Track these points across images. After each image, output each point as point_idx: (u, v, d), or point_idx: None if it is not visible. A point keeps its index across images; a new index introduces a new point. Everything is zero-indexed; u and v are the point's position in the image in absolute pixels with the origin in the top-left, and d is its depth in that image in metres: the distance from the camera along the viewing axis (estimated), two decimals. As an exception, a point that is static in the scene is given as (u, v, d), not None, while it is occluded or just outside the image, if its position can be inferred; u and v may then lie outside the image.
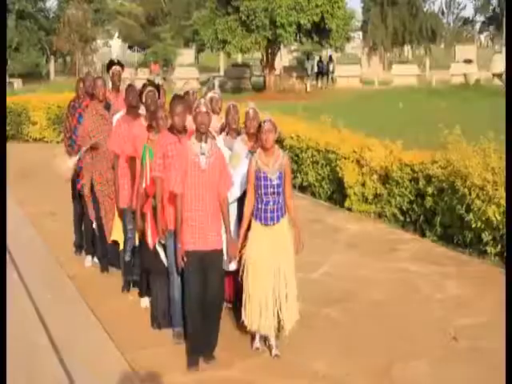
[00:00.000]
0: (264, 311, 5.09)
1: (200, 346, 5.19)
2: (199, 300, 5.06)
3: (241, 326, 5.47)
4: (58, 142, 15.96)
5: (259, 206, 5.13)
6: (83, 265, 7.68)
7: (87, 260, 7.70)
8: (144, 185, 5.61)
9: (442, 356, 5.37)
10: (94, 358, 5.42)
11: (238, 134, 5.88)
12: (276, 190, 5.09)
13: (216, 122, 6.19)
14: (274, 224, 5.13)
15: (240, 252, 5.24)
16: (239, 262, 5.31)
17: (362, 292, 6.74)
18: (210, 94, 6.44)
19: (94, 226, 7.32)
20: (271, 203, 5.10)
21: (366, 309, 6.34)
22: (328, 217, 9.58)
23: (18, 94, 22.15)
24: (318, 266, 7.35)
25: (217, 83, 7.03)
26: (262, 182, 5.07)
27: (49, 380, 5.15)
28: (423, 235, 8.43)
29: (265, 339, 5.37)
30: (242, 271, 5.21)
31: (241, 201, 5.47)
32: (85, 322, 6.12)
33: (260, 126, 5.11)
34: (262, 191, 5.09)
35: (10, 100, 16.17)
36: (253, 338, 5.39)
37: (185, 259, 5.01)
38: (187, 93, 6.28)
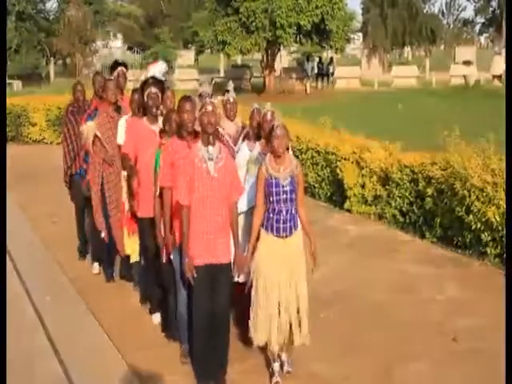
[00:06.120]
0: (273, 327, 4.85)
1: (209, 368, 4.89)
2: (208, 316, 4.77)
3: (239, 327, 5.46)
4: (58, 144, 15.96)
5: (271, 216, 4.82)
6: (83, 266, 7.67)
7: (94, 267, 7.48)
8: (158, 194, 5.26)
9: (441, 357, 5.37)
10: (93, 359, 5.42)
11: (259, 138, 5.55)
12: (289, 196, 4.77)
13: (231, 128, 5.98)
14: (286, 236, 4.84)
15: (249, 264, 4.97)
16: (248, 274, 5.05)
17: (362, 293, 6.75)
18: (218, 97, 6.11)
19: (104, 234, 7.00)
20: (284, 212, 4.79)
21: (366, 310, 6.35)
22: (328, 218, 9.59)
23: (18, 95, 22.12)
24: (318, 267, 7.33)
25: (231, 86, 6.63)
26: (274, 189, 4.76)
27: (48, 381, 5.16)
28: (423, 236, 8.43)
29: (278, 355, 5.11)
30: (251, 284, 4.96)
31: (250, 210, 5.19)
32: (84, 323, 6.12)
33: (271, 130, 4.79)
34: (274, 198, 4.77)
35: (9, 101, 16.16)
36: (271, 374, 5.06)
37: (194, 274, 4.67)
38: (200, 95, 5.89)
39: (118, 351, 5.51)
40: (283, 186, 4.77)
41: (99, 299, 6.66)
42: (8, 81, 28.29)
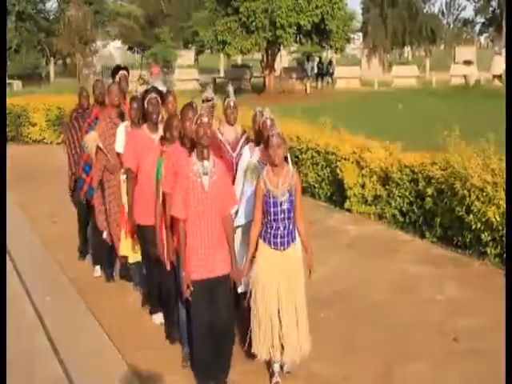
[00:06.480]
0: (269, 338, 4.82)
1: (210, 372, 4.88)
2: (207, 327, 4.73)
3: (238, 329, 5.46)
4: (58, 144, 16.00)
5: (268, 231, 4.77)
6: (83, 266, 7.68)
7: (96, 270, 7.44)
8: (161, 201, 5.22)
9: (441, 357, 5.37)
10: (93, 359, 5.42)
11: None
12: (287, 215, 4.71)
13: (230, 133, 5.92)
14: (284, 249, 4.80)
15: (246, 276, 4.93)
16: (247, 284, 5.02)
17: (362, 293, 6.74)
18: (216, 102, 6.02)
19: (105, 235, 6.99)
20: (281, 229, 4.74)
21: (366, 310, 6.34)
22: (328, 218, 9.59)
23: (18, 95, 22.12)
24: (318, 267, 7.30)
25: (231, 90, 6.43)
26: (272, 209, 4.68)
27: (48, 381, 5.16)
28: (423, 236, 8.43)
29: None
30: (250, 295, 4.91)
31: (248, 224, 5.09)
32: (84, 323, 6.13)
33: (268, 139, 4.66)
34: (272, 217, 4.71)
35: (9, 101, 16.17)
36: (271, 375, 5.07)
37: (191, 288, 4.66)
38: (203, 101, 5.80)
39: (118, 351, 5.52)
40: (281, 205, 4.69)
41: (99, 299, 6.66)
42: (8, 81, 28.27)
